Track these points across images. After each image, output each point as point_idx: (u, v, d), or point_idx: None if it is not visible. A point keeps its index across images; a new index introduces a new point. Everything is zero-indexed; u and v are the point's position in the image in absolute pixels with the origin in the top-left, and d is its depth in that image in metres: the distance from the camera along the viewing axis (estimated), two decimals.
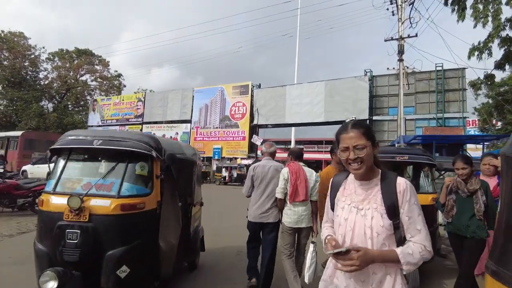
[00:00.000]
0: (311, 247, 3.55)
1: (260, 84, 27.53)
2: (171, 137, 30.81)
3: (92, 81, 43.50)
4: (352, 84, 23.03)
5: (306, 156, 4.73)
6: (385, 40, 15.11)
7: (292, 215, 3.72)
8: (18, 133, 21.32)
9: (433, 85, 21.61)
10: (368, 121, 22.80)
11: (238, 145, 27.05)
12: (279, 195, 3.76)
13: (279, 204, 3.85)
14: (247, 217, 4.05)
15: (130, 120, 34.31)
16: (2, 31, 37.06)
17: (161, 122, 32.09)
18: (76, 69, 41.37)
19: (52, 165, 3.35)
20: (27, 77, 39.61)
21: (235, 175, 23.79)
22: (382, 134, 22.97)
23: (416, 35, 14.71)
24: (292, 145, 38.80)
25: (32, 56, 39.35)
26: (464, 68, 20.22)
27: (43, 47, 44.71)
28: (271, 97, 26.24)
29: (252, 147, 27.16)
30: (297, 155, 4.00)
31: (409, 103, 22.47)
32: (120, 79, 45.92)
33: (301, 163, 3.91)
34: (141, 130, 32.92)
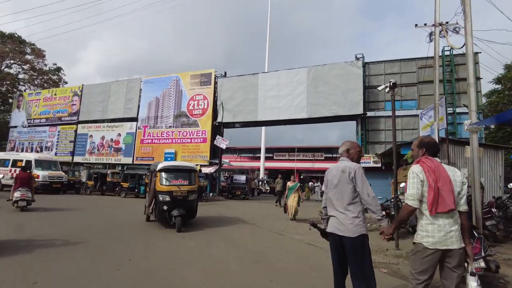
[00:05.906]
0: (469, 279, 2.66)
1: (225, 73, 22.07)
2: (111, 139, 24.42)
3: (20, 73, 35.89)
4: (342, 71, 18.31)
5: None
6: None
7: (436, 232, 2.40)
8: None
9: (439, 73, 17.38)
10: (360, 118, 18.21)
11: (198, 149, 21.26)
12: (414, 202, 2.44)
13: (407, 214, 2.50)
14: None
15: (63, 118, 27.45)
16: None
17: (102, 121, 25.65)
18: None
19: None
20: None
21: None
22: (377, 134, 18.44)
23: None
24: (262, 153, 33.60)
25: None
26: (477, 53, 16.35)
27: None
28: (240, 88, 20.92)
29: (215, 151, 21.54)
30: (433, 149, 2.59)
31: (410, 95, 18.33)
32: (60, 73, 38.83)
33: (437, 159, 2.55)
34: (75, 130, 26.24)
